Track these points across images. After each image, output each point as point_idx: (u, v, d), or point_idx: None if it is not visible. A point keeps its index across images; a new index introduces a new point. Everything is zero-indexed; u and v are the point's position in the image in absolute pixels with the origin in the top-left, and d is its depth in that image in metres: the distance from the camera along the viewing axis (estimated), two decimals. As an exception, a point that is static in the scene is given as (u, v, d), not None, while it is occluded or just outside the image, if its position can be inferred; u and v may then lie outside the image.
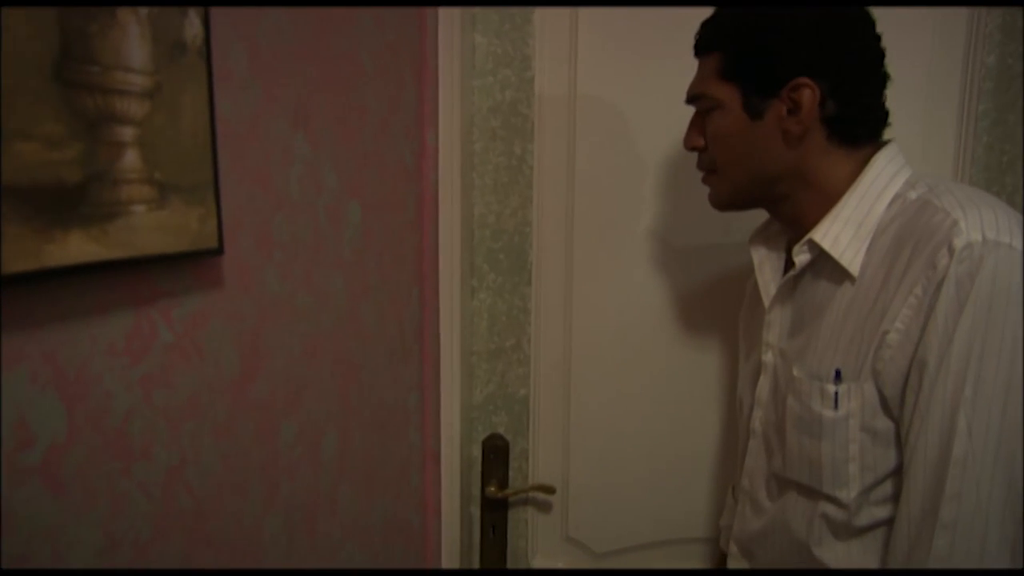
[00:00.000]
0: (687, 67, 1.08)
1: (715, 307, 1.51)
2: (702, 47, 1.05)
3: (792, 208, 1.06)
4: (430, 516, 1.50)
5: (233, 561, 0.87)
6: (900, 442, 0.95)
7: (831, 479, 1.01)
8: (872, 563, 1.00)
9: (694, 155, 1.11)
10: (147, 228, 0.68)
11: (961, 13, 1.32)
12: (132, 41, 0.65)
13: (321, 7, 1.00)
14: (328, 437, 1.09)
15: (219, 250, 0.79)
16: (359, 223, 1.15)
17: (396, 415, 1.33)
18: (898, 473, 0.96)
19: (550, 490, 1.55)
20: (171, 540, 0.76)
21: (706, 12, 1.06)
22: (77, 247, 0.60)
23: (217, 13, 0.78)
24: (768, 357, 1.12)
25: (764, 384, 1.13)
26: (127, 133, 0.65)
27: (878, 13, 0.98)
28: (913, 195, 0.97)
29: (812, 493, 1.04)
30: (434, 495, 1.49)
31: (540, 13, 1.42)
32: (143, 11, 0.66)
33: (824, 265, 1.02)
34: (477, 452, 1.56)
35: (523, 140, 1.46)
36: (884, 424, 0.96)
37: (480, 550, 1.59)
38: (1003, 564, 0.87)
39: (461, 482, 1.50)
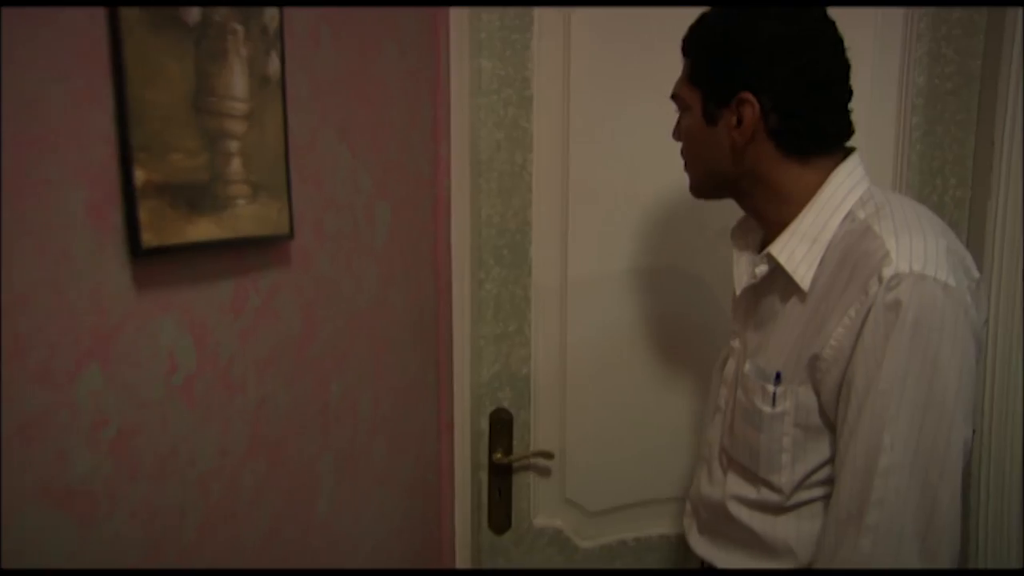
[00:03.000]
0: (666, 82, 1.21)
1: (696, 294, 1.74)
2: (683, 49, 1.14)
3: (754, 205, 1.15)
4: (445, 478, 1.71)
5: (303, 487, 1.09)
6: (833, 438, 1.06)
7: (766, 465, 1.12)
8: (790, 535, 1.13)
9: (676, 160, 1.20)
10: (245, 216, 0.90)
11: (896, 40, 1.55)
12: (237, 77, 0.88)
13: (358, 41, 1.23)
14: (364, 399, 1.31)
15: (291, 236, 1.01)
16: (388, 221, 1.37)
17: (417, 388, 1.54)
18: (830, 462, 1.07)
19: (549, 455, 1.76)
20: (259, 460, 0.98)
21: (691, 13, 1.15)
22: (205, 229, 0.83)
23: (289, 52, 1.00)
24: (737, 344, 1.25)
25: (731, 367, 1.26)
26: (234, 146, 0.88)
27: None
28: (861, 215, 1.04)
29: (750, 475, 1.16)
30: (448, 460, 1.71)
31: (537, 39, 1.65)
32: (244, 53, 0.89)
33: (781, 274, 1.11)
34: (485, 424, 1.78)
35: (523, 150, 1.68)
36: (817, 422, 1.07)
37: (488, 510, 1.80)
38: (914, 558, 0.96)
39: (471, 450, 1.72)
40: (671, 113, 1.21)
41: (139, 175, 0.72)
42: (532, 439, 1.80)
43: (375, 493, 1.36)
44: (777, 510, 1.14)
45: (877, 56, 1.56)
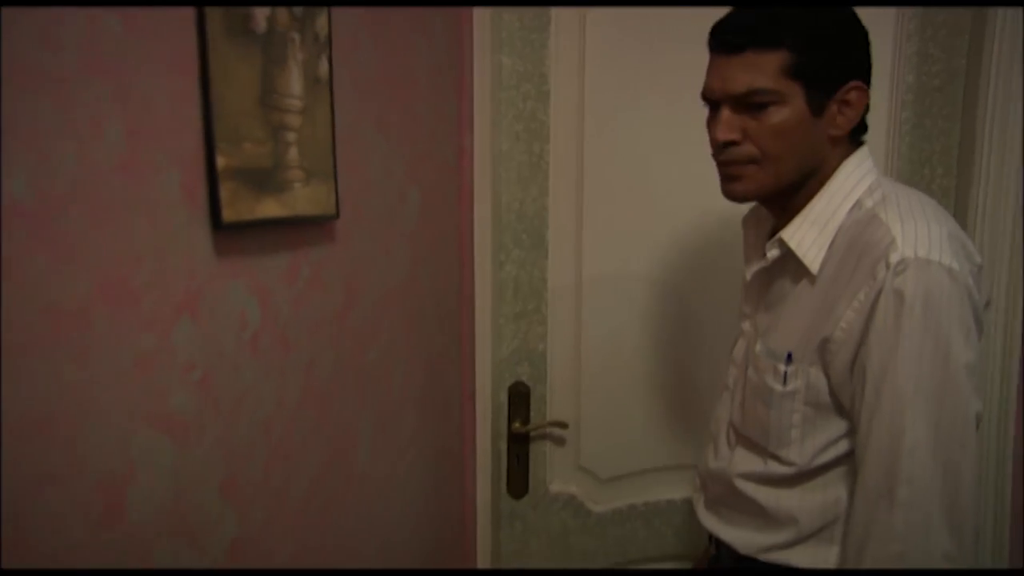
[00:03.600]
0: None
1: (706, 277, 1.87)
2: (762, 41, 1.06)
3: (798, 199, 1.16)
4: (468, 446, 1.85)
5: (345, 441, 1.23)
6: (843, 414, 1.12)
7: (776, 440, 1.18)
8: (793, 506, 1.18)
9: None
10: (301, 198, 1.05)
11: (888, 40, 1.67)
12: (294, 78, 1.02)
13: (392, 42, 1.36)
14: (397, 367, 1.45)
15: (336, 216, 1.15)
16: (418, 205, 1.50)
17: (443, 361, 1.69)
18: (845, 438, 1.13)
19: (564, 425, 1.90)
20: (309, 412, 1.12)
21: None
22: (269, 207, 0.97)
23: (335, 55, 1.14)
24: (746, 325, 1.30)
25: (740, 347, 1.31)
26: (291, 136, 1.02)
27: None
28: (869, 203, 1.10)
29: (760, 450, 1.21)
30: (471, 429, 1.85)
31: (554, 38, 1.78)
32: (300, 57, 1.03)
33: (791, 259, 1.15)
34: (504, 397, 1.91)
35: (541, 141, 1.81)
36: (827, 400, 1.12)
37: (507, 476, 1.94)
38: (944, 532, 1.01)
39: (492, 419, 1.86)
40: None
41: (220, 161, 0.87)
42: (548, 410, 1.93)
43: (407, 454, 1.50)
44: (783, 482, 1.19)
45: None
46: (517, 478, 1.94)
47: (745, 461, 1.24)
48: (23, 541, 0.64)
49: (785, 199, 1.16)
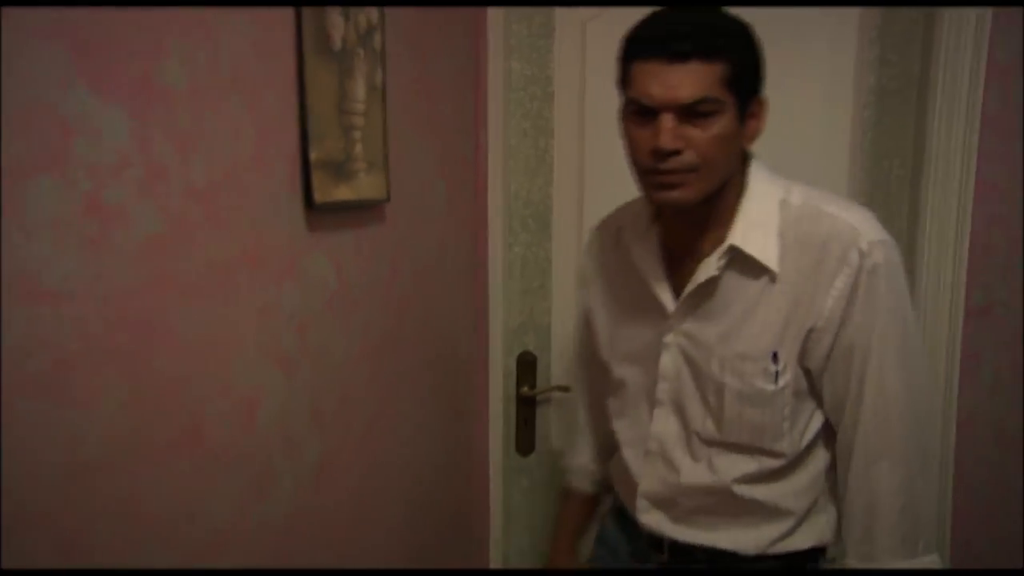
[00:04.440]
0: None
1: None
2: (707, 51, 1.06)
3: (713, 206, 1.18)
4: (481, 408, 2.08)
5: (389, 391, 1.46)
6: (813, 393, 1.21)
7: (771, 437, 1.22)
8: (787, 492, 1.25)
9: None
10: (364, 184, 1.27)
11: (851, 47, 1.91)
12: (359, 87, 1.24)
13: (424, 52, 1.58)
14: (428, 332, 1.67)
15: (387, 200, 1.38)
16: (444, 194, 1.73)
17: (461, 330, 1.91)
18: (817, 412, 1.23)
19: (566, 388, 2.13)
20: (366, 364, 1.35)
21: None
22: (343, 192, 1.19)
23: (389, 65, 1.36)
24: (671, 338, 1.26)
25: (668, 361, 1.27)
26: (357, 135, 1.24)
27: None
28: (797, 201, 1.17)
29: (750, 450, 1.24)
30: (484, 392, 2.08)
31: (558, 44, 2.00)
32: (364, 69, 1.25)
33: (738, 263, 1.17)
34: (513, 364, 2.14)
35: (546, 137, 2.04)
36: (804, 386, 1.20)
37: (516, 437, 2.18)
38: (925, 480, 1.17)
39: (503, 385, 2.09)
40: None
41: (312, 155, 1.09)
42: (552, 376, 2.16)
43: (431, 411, 1.73)
44: (777, 474, 1.24)
45: (834, 58, 1.92)
46: (524, 437, 2.17)
47: (735, 466, 1.25)
48: (200, 440, 0.86)
49: (702, 207, 1.17)
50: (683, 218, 1.22)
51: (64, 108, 0.67)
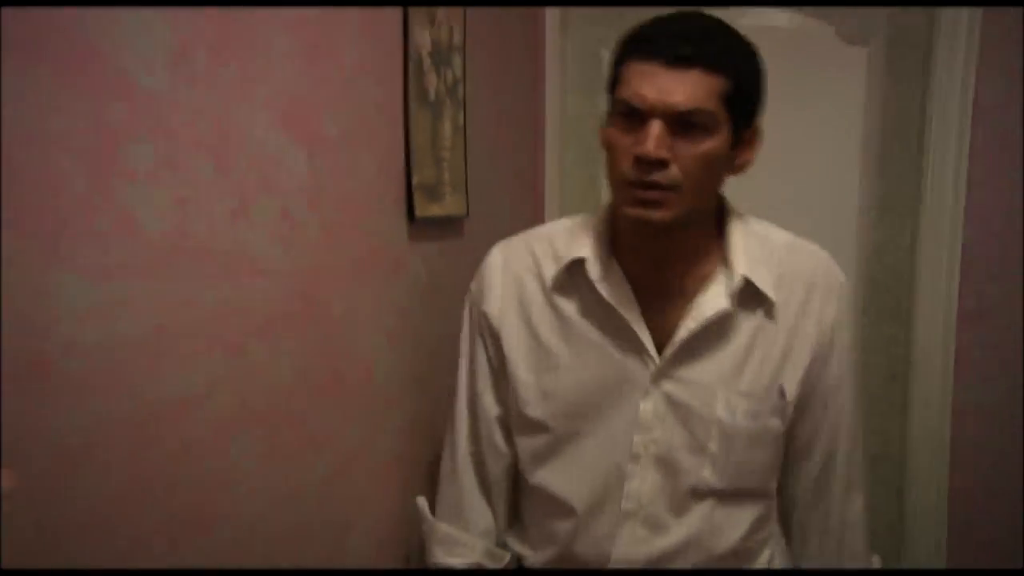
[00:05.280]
0: None
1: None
2: (711, 61, 0.99)
3: (690, 236, 1.12)
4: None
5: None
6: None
7: (771, 476, 1.20)
8: (767, 531, 1.23)
9: None
10: (449, 203, 1.61)
11: (861, 71, 2.20)
12: (447, 127, 1.59)
13: (497, 94, 1.92)
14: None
15: (467, 215, 1.72)
16: (509, 211, 2.06)
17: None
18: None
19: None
20: (445, 349, 1.68)
21: None
22: (435, 209, 1.54)
23: (468, 109, 1.70)
24: (652, 384, 1.12)
25: (648, 409, 1.12)
26: (445, 164, 1.58)
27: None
28: (777, 235, 1.17)
29: (752, 495, 1.18)
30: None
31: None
32: (450, 112, 1.59)
33: (738, 296, 1.12)
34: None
35: (595, 164, 2.36)
36: None
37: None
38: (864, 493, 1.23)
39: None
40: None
41: (414, 180, 1.43)
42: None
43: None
44: (765, 518, 1.21)
45: (842, 87, 2.21)
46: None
47: (735, 517, 1.17)
48: (342, 385, 1.20)
49: (681, 236, 1.10)
50: (658, 247, 1.12)
51: (270, 148, 1.02)
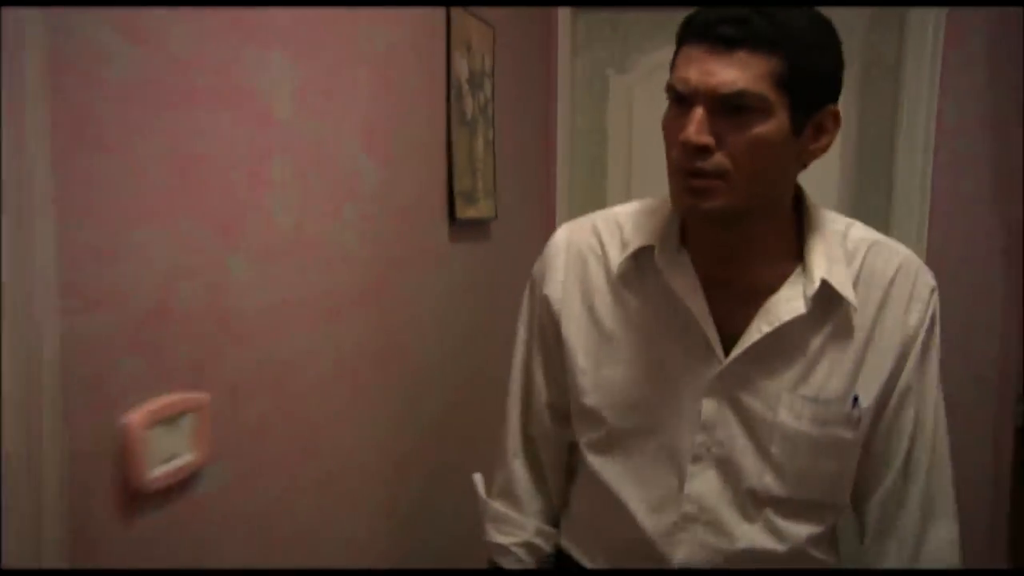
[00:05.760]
0: None
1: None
2: (758, 41, 0.93)
3: (760, 231, 1.04)
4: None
5: (490, 345, 2.05)
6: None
7: (843, 490, 1.10)
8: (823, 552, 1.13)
9: None
10: (483, 207, 1.88)
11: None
12: (480, 143, 1.86)
13: (518, 113, 2.19)
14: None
15: (496, 218, 1.98)
16: (527, 215, 2.33)
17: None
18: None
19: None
20: (480, 333, 1.95)
21: None
22: (471, 212, 1.81)
23: (496, 126, 1.96)
24: (718, 383, 1.07)
25: (711, 409, 1.07)
26: (479, 174, 1.85)
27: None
28: (856, 234, 1.08)
29: (821, 508, 1.10)
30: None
31: (611, 104, 2.60)
32: (482, 129, 1.86)
33: (815, 298, 1.03)
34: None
35: (601, 176, 2.64)
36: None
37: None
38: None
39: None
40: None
41: (455, 187, 1.70)
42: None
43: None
44: (831, 530, 1.14)
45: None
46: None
47: (801, 526, 1.10)
48: (406, 354, 1.47)
49: (742, 228, 1.03)
50: (722, 240, 1.06)
51: (355, 164, 1.29)
